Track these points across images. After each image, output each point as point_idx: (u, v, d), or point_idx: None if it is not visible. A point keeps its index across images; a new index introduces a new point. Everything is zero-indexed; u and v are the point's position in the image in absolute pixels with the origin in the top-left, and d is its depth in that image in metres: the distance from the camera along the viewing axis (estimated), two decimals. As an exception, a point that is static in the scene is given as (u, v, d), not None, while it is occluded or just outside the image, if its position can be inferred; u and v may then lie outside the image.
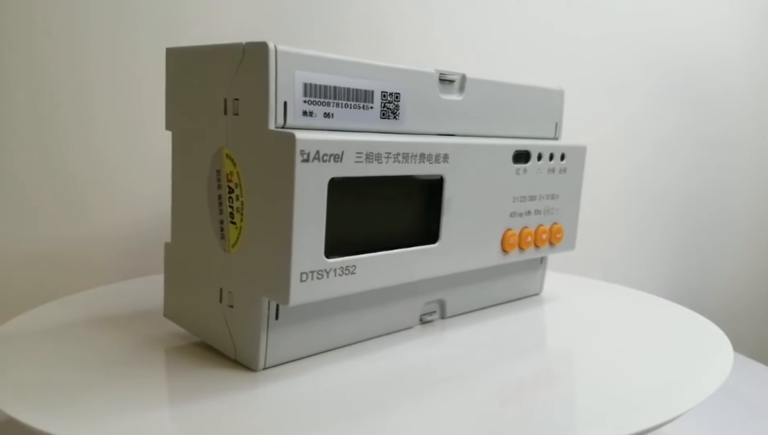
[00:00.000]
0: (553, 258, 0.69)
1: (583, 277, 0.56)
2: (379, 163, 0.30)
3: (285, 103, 0.28)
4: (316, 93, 0.29)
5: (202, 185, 0.32)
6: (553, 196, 0.41)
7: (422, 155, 0.32)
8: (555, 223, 0.42)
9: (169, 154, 0.54)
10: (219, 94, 0.30)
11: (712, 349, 0.36)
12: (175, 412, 0.26)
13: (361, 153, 0.29)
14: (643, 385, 0.30)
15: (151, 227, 0.55)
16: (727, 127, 0.80)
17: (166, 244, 0.35)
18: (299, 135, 0.26)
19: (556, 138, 0.43)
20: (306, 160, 0.27)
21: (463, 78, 0.36)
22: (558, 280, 0.52)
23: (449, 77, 0.35)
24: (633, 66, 0.74)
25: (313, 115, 0.29)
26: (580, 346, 0.35)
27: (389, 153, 0.30)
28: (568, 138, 0.68)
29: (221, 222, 0.31)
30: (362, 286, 0.31)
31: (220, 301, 0.31)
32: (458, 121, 0.36)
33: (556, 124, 0.43)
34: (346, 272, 0.30)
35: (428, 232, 0.34)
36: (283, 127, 0.28)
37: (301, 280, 0.28)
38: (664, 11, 0.74)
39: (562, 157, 0.41)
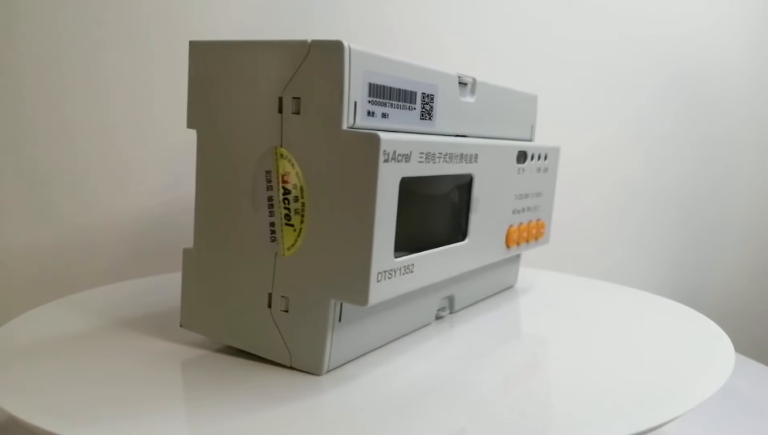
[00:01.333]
0: (554, 257, 0.69)
1: (583, 276, 0.57)
2: (433, 163, 0.31)
3: (355, 104, 0.28)
4: (377, 93, 0.29)
5: (243, 187, 0.30)
6: (538, 194, 0.44)
7: (461, 155, 0.33)
8: (539, 219, 0.45)
9: (175, 152, 0.55)
10: (270, 91, 0.29)
11: (713, 349, 0.35)
12: (239, 422, 0.25)
13: (423, 153, 0.30)
14: (644, 385, 0.30)
15: (153, 228, 0.55)
16: (727, 128, 0.79)
17: (186, 250, 0.33)
18: (382, 136, 0.26)
19: (531, 139, 0.46)
20: (386, 160, 0.27)
21: (474, 81, 0.37)
22: (558, 279, 0.52)
23: (464, 80, 0.36)
24: (632, 67, 0.73)
25: (374, 115, 0.29)
26: (578, 345, 0.35)
27: (441, 153, 0.31)
28: (569, 138, 0.70)
29: (272, 224, 0.30)
30: (418, 284, 0.31)
31: (269, 306, 0.30)
32: (471, 123, 0.37)
33: (532, 126, 0.46)
34: (407, 271, 0.30)
35: (459, 230, 0.35)
36: (352, 128, 0.28)
37: (377, 280, 0.28)
38: (665, 13, 0.75)
39: (545, 158, 0.44)
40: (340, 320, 0.29)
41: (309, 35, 0.57)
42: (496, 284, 0.45)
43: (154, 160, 0.55)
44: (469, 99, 0.37)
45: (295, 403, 0.26)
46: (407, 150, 0.28)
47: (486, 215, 0.37)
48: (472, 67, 0.65)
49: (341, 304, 0.29)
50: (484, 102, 0.38)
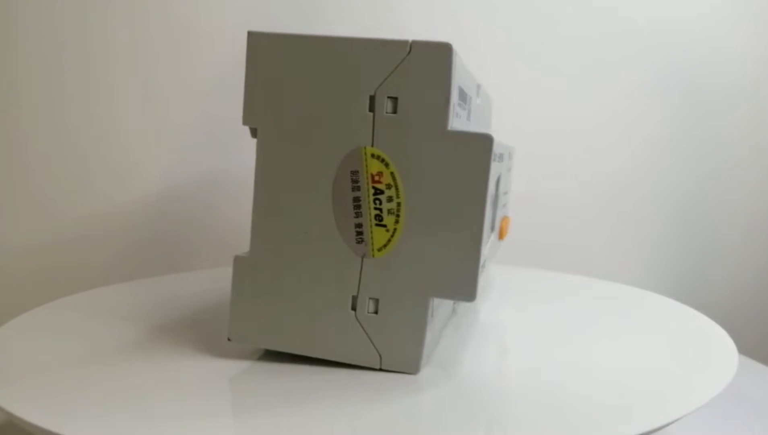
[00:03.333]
0: (551, 256, 0.69)
1: (582, 275, 0.57)
2: (493, 162, 0.32)
3: (453, 105, 0.28)
4: (460, 96, 0.30)
5: (320, 187, 0.29)
6: (507, 192, 0.48)
7: (500, 155, 0.35)
8: (508, 215, 0.49)
9: (176, 148, 0.57)
10: (359, 90, 0.28)
11: (714, 350, 0.34)
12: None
13: (499, 153, 0.31)
14: (645, 386, 0.29)
15: (156, 227, 0.58)
16: (728, 120, 0.75)
17: (239, 258, 0.30)
18: (494, 136, 0.28)
19: None
20: (493, 160, 0.28)
21: (480, 84, 0.40)
22: (556, 278, 0.52)
23: (479, 82, 0.38)
24: (624, 57, 0.70)
25: (457, 117, 0.30)
26: (577, 346, 0.35)
27: (501, 153, 0.33)
28: (562, 133, 0.68)
29: (358, 226, 0.29)
30: (485, 275, 0.33)
31: (353, 309, 0.29)
32: (479, 124, 0.40)
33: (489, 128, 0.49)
34: (483, 266, 0.31)
35: (489, 225, 0.37)
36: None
37: (479, 275, 0.29)
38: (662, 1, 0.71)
39: (511, 157, 0.48)
40: (432, 317, 0.30)
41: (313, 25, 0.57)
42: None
43: (154, 157, 0.57)
44: (478, 101, 0.39)
45: (404, 401, 0.26)
46: (498, 150, 0.30)
47: (500, 211, 0.40)
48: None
49: (433, 302, 0.30)
50: (483, 104, 0.41)
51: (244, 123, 0.30)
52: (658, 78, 0.71)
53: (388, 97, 0.28)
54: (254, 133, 0.31)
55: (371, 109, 0.28)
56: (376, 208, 0.29)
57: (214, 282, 0.47)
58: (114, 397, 0.26)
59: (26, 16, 0.51)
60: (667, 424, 0.25)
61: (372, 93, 0.28)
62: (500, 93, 0.65)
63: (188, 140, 0.58)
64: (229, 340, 0.31)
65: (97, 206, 0.56)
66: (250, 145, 0.60)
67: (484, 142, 0.28)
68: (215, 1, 0.57)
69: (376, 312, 0.29)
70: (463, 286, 0.28)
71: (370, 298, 0.29)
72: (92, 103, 0.55)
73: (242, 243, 0.61)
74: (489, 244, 0.36)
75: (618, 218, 0.73)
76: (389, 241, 0.29)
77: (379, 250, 0.29)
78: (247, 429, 0.24)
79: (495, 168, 0.31)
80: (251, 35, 0.29)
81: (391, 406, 0.26)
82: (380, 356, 0.30)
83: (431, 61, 0.28)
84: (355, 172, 0.29)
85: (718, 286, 0.78)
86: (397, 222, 0.29)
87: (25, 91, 0.52)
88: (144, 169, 0.58)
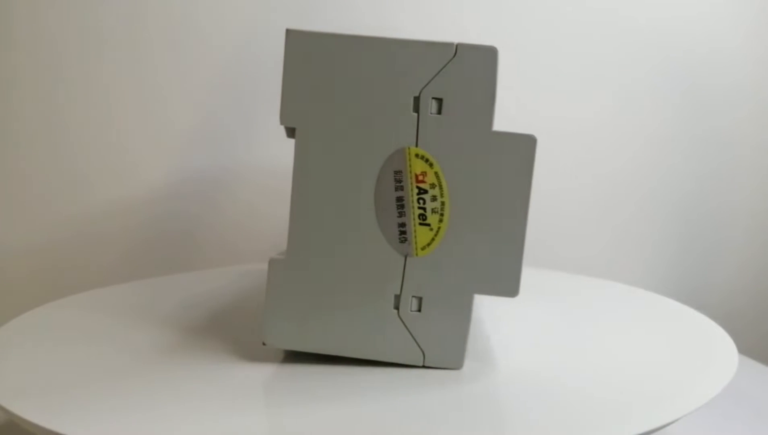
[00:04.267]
0: (552, 255, 0.68)
1: (582, 275, 0.58)
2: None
3: (496, 106, 0.29)
4: (497, 96, 0.30)
5: (362, 187, 0.29)
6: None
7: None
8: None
9: (174, 147, 0.57)
10: (403, 91, 0.29)
11: (715, 350, 0.34)
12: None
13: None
14: (645, 386, 0.29)
15: (154, 227, 0.58)
16: (729, 121, 0.74)
17: (275, 261, 0.30)
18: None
19: None
20: (534, 160, 0.29)
21: None
22: (556, 278, 0.52)
23: None
24: (629, 56, 0.69)
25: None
26: (577, 346, 0.34)
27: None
28: (564, 131, 0.67)
29: (401, 225, 0.29)
30: None
31: (396, 307, 0.30)
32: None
33: None
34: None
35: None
36: (493, 129, 0.29)
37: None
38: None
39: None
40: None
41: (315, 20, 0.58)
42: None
43: (154, 157, 0.57)
44: None
45: (455, 393, 0.27)
46: None
47: None
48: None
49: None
50: None
51: (282, 122, 0.30)
52: (659, 78, 0.71)
53: (433, 98, 0.29)
54: (290, 132, 0.31)
55: (416, 109, 0.29)
56: (419, 208, 0.29)
57: (215, 282, 0.47)
58: (115, 396, 0.26)
59: (25, 16, 0.50)
60: (667, 424, 0.25)
61: (416, 94, 0.29)
62: (500, 93, 0.65)
63: (188, 140, 0.58)
64: (264, 344, 0.31)
65: (97, 206, 0.56)
66: (249, 144, 0.60)
67: (529, 141, 0.28)
68: (215, 1, 0.57)
69: (419, 310, 0.30)
70: (507, 282, 0.29)
71: (413, 297, 0.30)
72: (91, 103, 0.55)
73: (243, 242, 0.61)
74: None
75: (619, 218, 0.72)
76: (433, 239, 0.29)
77: (423, 248, 0.29)
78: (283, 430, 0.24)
79: None
80: (290, 33, 0.29)
81: (437, 397, 0.26)
82: (423, 354, 0.30)
83: (477, 64, 0.28)
84: (398, 172, 0.29)
85: (718, 286, 0.77)
86: (441, 221, 0.29)
87: (24, 91, 0.51)
88: (144, 169, 0.57)
